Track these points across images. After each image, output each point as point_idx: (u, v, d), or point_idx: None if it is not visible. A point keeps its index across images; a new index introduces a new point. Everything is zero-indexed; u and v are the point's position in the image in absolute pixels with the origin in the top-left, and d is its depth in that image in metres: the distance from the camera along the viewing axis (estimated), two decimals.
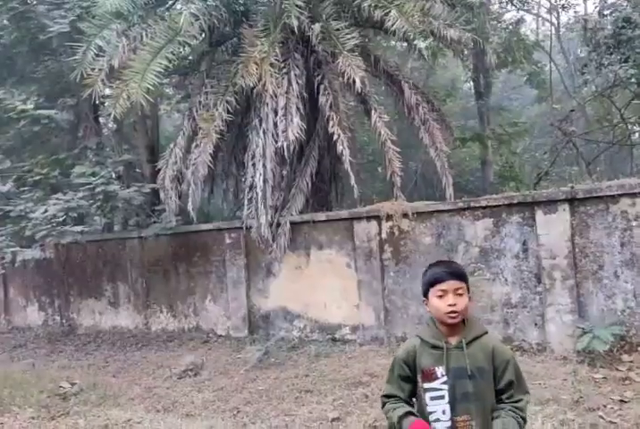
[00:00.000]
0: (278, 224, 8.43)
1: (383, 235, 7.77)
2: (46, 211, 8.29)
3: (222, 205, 15.06)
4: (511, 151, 14.05)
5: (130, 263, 10.09)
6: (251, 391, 6.09)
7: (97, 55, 8.91)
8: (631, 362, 5.65)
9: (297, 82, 8.85)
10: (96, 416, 5.50)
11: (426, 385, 2.28)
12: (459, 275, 2.31)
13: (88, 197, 8.50)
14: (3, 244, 8.69)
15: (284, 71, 8.76)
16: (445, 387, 2.25)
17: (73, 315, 10.85)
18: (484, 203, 7.11)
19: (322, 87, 9.05)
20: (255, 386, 6.24)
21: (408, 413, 2.26)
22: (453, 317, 2.25)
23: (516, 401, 2.25)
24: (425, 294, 2.35)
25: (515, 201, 6.86)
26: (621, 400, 4.79)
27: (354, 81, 8.54)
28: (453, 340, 2.29)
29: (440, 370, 2.26)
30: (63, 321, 10.88)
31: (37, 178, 9.29)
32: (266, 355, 7.06)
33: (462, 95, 20.19)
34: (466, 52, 11.95)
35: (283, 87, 8.71)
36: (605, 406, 4.69)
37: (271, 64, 8.24)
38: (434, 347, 2.30)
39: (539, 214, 6.62)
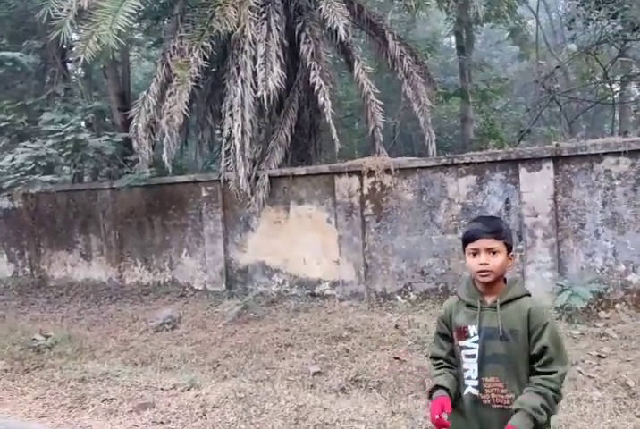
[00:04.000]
0: (256, 178, 8.21)
1: (365, 191, 7.64)
2: (13, 159, 7.92)
3: (195, 157, 14.69)
4: (492, 108, 13.88)
5: (102, 214, 9.78)
6: (231, 344, 6.04)
7: None
8: (608, 319, 5.75)
9: (277, 29, 8.44)
10: (72, 369, 5.38)
11: (461, 343, 2.25)
12: (494, 232, 2.19)
13: (58, 146, 8.12)
14: None
15: (264, 16, 8.35)
16: (476, 346, 2.20)
17: (44, 266, 10.58)
18: (467, 159, 7.00)
19: (303, 35, 8.67)
20: (234, 340, 6.19)
21: (438, 386, 2.23)
22: (484, 276, 2.17)
23: (549, 373, 2.11)
24: (464, 251, 2.26)
25: (499, 158, 6.77)
26: (599, 356, 4.87)
27: (336, 30, 8.19)
28: (489, 300, 2.22)
29: (472, 329, 2.22)
30: (34, 272, 10.62)
31: (3, 124, 8.83)
32: (245, 309, 6.97)
33: (442, 50, 19.76)
34: (451, 3, 11.59)
35: (263, 33, 8.31)
36: (583, 361, 4.76)
37: (250, 8, 7.80)
38: (469, 305, 2.25)
39: (523, 172, 6.56)
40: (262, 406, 4.19)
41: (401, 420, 3.80)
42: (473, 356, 2.21)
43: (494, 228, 2.21)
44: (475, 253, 2.18)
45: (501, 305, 2.19)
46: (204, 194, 8.76)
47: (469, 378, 2.22)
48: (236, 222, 8.57)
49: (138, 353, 5.94)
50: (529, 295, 2.24)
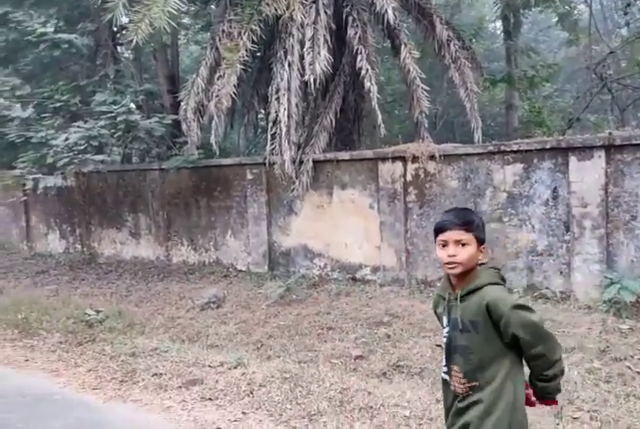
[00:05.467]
0: (301, 162, 8.16)
1: (408, 177, 7.51)
2: (67, 139, 8.05)
3: (238, 140, 14.72)
4: (539, 95, 13.41)
5: (151, 194, 9.93)
6: (274, 325, 6.08)
7: None
8: None
9: (325, 12, 8.33)
10: (122, 343, 5.51)
11: (443, 332, 2.31)
12: (464, 225, 2.14)
13: (110, 126, 8.23)
14: (24, 171, 8.53)
15: None
16: (447, 336, 2.25)
17: (94, 244, 10.84)
18: (514, 147, 6.79)
19: (350, 18, 8.53)
20: (277, 321, 6.22)
21: None
22: (451, 268, 2.15)
23: (533, 357, 2.11)
24: (435, 242, 2.24)
25: (548, 146, 6.54)
26: None
27: (384, 13, 8.02)
28: (459, 291, 2.19)
29: (444, 320, 2.26)
30: (84, 249, 10.88)
31: (58, 105, 8.99)
32: (287, 291, 7.00)
33: (486, 35, 19.16)
34: None
35: (311, 17, 8.21)
36: (632, 356, 4.60)
37: None
38: (442, 297, 2.28)
39: (573, 161, 6.31)
40: (307, 387, 4.20)
41: None
42: (443, 345, 2.29)
43: (465, 220, 2.16)
44: (445, 244, 2.15)
45: (463, 296, 2.16)
46: (249, 177, 8.77)
47: (443, 364, 2.29)
48: (279, 205, 8.57)
49: (185, 330, 6.04)
50: (496, 284, 2.16)
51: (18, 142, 8.82)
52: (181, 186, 9.57)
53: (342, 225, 7.99)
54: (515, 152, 6.75)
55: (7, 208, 12.38)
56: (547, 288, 6.38)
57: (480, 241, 2.17)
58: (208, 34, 12.40)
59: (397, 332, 5.55)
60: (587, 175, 6.20)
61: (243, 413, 3.88)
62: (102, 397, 4.43)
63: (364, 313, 6.21)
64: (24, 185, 8.75)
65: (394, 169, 7.57)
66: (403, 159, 7.49)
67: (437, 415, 3.63)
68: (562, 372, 2.17)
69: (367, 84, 7.96)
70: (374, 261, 7.69)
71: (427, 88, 8.63)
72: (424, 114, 8.78)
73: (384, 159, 7.66)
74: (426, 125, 8.93)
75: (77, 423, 3.93)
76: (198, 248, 9.44)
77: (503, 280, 2.22)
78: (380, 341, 5.37)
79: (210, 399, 4.17)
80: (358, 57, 8.13)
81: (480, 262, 2.19)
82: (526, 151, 6.67)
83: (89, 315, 6.24)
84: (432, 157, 7.30)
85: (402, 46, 8.68)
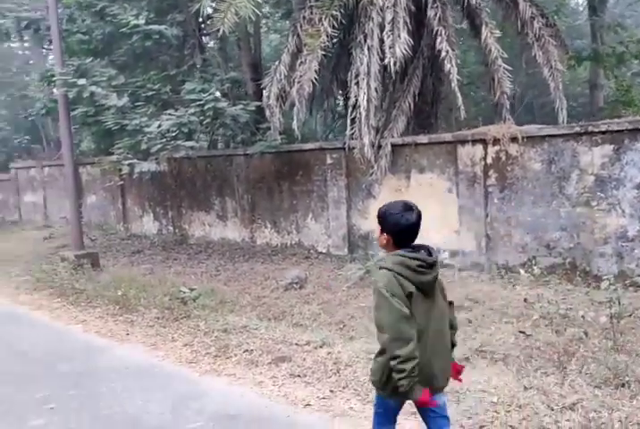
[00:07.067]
0: (379, 146, 8.04)
1: (489, 160, 7.21)
2: (159, 126, 8.30)
3: (315, 126, 14.71)
4: (627, 73, 12.43)
5: (236, 179, 10.14)
6: (354, 306, 6.06)
7: None
8: None
9: None
10: (214, 320, 5.68)
11: None
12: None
13: (199, 114, 8.41)
14: (121, 156, 8.90)
15: None
16: None
17: (185, 225, 11.25)
18: (603, 128, 6.34)
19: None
20: (357, 302, 6.20)
21: None
22: None
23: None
24: None
25: None
26: None
27: None
28: None
29: None
30: (176, 231, 11.31)
31: (150, 93, 9.26)
32: (367, 274, 6.95)
33: (568, 12, 17.94)
34: None
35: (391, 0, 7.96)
36: None
37: None
38: None
39: None
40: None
41: (535, 396, 3.59)
42: None
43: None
44: None
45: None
46: (329, 161, 8.75)
47: None
48: (358, 189, 8.50)
49: (271, 309, 6.14)
50: (382, 268, 2.43)
51: (114, 129, 9.21)
52: (264, 170, 9.71)
53: (420, 209, 7.78)
54: (604, 133, 6.31)
55: (105, 192, 13.10)
56: (639, 275, 5.97)
57: (382, 228, 2.55)
58: (287, 22, 12.41)
59: (478, 317, 5.38)
60: None
61: (331, 391, 3.90)
62: (198, 370, 4.59)
63: None
64: (120, 170, 9.11)
65: (474, 152, 7.29)
66: (484, 142, 7.19)
67: (526, 402, 3.50)
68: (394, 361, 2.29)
69: (447, 65, 7.68)
70: (453, 245, 7.49)
71: (509, 68, 8.22)
72: (505, 95, 8.40)
73: (464, 142, 7.39)
74: (508, 106, 8.53)
75: (177, 395, 4.09)
76: (281, 231, 9.57)
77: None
78: (460, 326, 5.18)
79: (299, 375, 4.22)
80: (438, 39, 7.85)
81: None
82: (617, 131, 6.21)
83: (184, 293, 6.46)
84: (514, 139, 6.97)
85: (483, 26, 8.29)
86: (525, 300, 5.47)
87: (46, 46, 14.19)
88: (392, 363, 2.29)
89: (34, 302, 7.23)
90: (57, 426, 3.66)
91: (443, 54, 7.72)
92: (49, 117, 13.57)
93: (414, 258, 2.41)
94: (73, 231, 8.95)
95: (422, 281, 2.41)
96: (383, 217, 2.52)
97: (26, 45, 18.42)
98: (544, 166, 6.77)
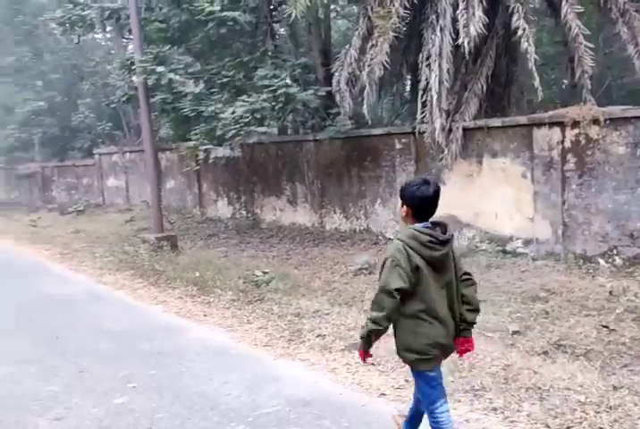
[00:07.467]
0: (450, 130, 7.78)
1: (567, 144, 6.83)
2: (233, 112, 8.39)
3: (381, 111, 14.40)
4: None
5: (306, 164, 10.17)
6: None
7: None
8: None
9: None
10: (287, 304, 5.76)
11: None
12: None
13: (271, 99, 8.43)
14: (197, 142, 9.10)
15: None
16: None
17: (257, 210, 11.44)
18: None
19: None
20: None
21: None
22: None
23: None
24: None
25: None
26: None
27: None
28: None
29: None
30: (249, 215, 11.52)
31: (225, 80, 9.35)
32: None
33: None
34: None
35: None
36: None
37: None
38: None
39: None
40: (468, 360, 4.05)
41: (627, 397, 3.37)
42: None
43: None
44: None
45: None
46: (397, 146, 8.59)
47: None
48: (428, 174, 8.31)
49: (341, 294, 6.15)
50: (397, 239, 2.61)
51: (191, 116, 9.41)
52: (333, 156, 9.67)
53: (492, 195, 7.54)
54: None
55: (183, 177, 13.51)
56: None
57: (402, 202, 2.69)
58: (355, 8, 12.16)
59: (555, 309, 5.14)
60: None
61: (406, 380, 3.84)
62: (272, 354, 4.66)
63: (517, 287, 5.85)
64: (197, 156, 9.33)
65: (551, 135, 6.93)
66: (561, 124, 6.81)
67: (616, 403, 3.30)
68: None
69: (524, 44, 7.26)
70: (527, 233, 7.19)
71: (592, 46, 7.68)
72: (586, 75, 7.86)
73: (540, 125, 7.04)
74: (589, 87, 7.99)
75: (253, 377, 4.16)
76: (350, 216, 9.54)
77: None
78: (537, 317, 5.02)
79: (372, 364, 4.18)
80: (514, 16, 7.42)
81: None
82: None
83: (257, 276, 6.59)
84: (595, 122, 6.54)
85: (563, 1, 7.76)
86: (610, 293, 5.17)
87: (126, 36, 14.64)
88: (366, 320, 2.60)
89: (117, 282, 7.56)
90: (139, 405, 3.75)
91: (520, 32, 7.31)
92: (130, 104, 14.04)
93: (426, 233, 2.55)
94: (154, 214, 9.31)
95: (432, 256, 2.55)
96: (402, 190, 2.68)
97: (108, 35, 19.15)
98: (629, 150, 6.34)
